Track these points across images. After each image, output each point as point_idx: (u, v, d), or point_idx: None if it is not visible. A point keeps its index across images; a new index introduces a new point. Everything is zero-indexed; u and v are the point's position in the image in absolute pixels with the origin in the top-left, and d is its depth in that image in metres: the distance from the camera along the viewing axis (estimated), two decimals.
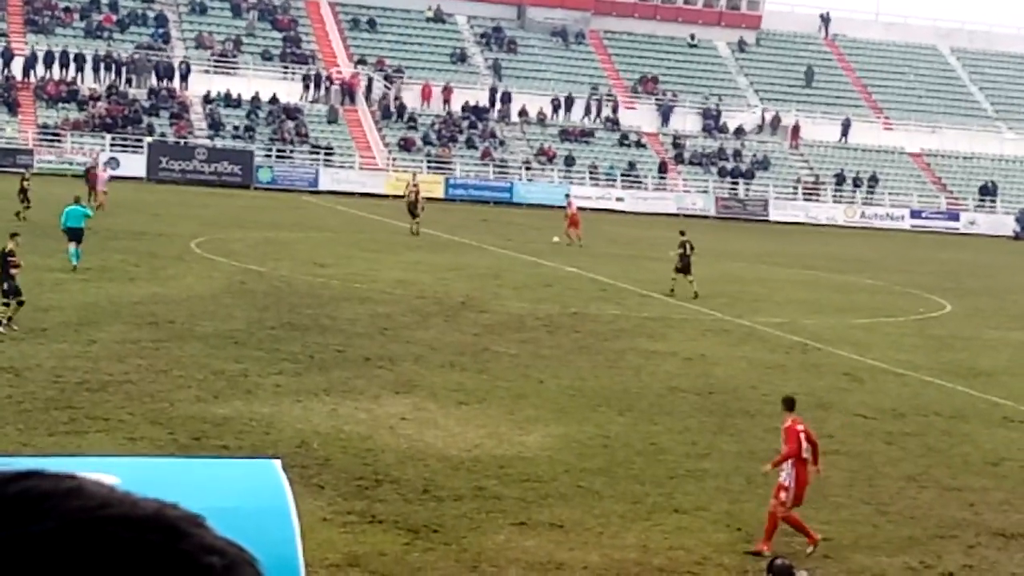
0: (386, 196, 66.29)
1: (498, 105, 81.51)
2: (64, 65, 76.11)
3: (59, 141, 70.92)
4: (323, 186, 71.40)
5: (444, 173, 75.15)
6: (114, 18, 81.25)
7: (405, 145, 77.64)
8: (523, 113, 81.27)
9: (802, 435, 15.75)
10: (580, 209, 54.07)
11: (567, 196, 61.01)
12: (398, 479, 17.26)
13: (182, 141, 73.23)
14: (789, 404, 16.41)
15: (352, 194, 68.57)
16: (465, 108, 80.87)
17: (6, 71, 75.81)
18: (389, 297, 32.99)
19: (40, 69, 75.97)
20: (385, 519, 15.65)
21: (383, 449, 18.67)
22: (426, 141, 78.17)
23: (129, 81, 76.96)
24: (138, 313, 27.67)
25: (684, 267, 37.68)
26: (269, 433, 18.98)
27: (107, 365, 22.52)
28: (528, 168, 77.61)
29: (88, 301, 28.66)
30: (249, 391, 21.44)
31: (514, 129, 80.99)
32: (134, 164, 68.71)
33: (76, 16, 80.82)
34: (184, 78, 77.52)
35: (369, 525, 15.41)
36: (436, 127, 79.34)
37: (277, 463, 5.06)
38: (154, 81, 77.37)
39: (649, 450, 19.89)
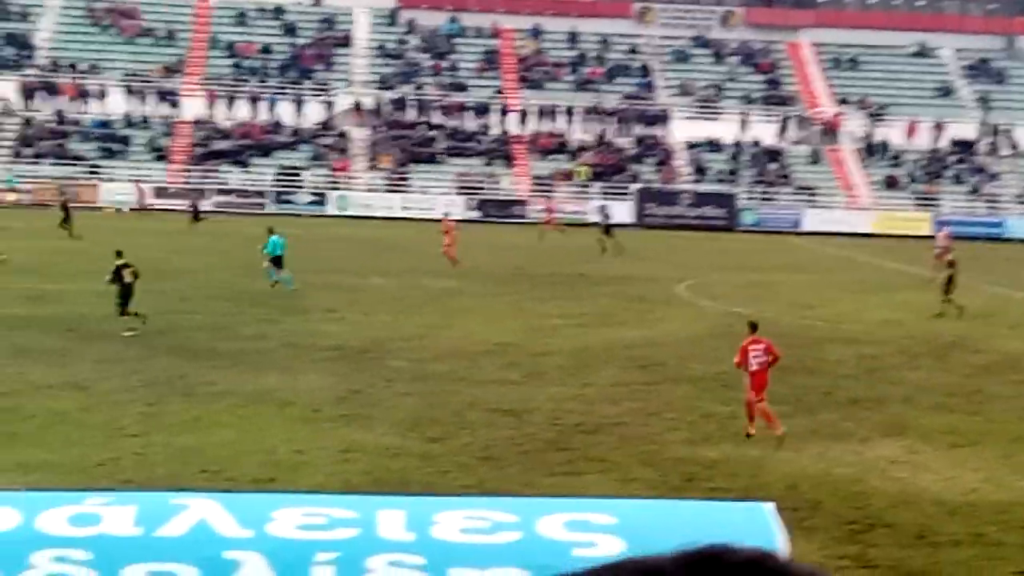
0: (871, 235, 65.20)
1: (988, 138, 78.84)
2: (554, 118, 79.32)
3: (550, 192, 73.82)
4: (807, 227, 71.08)
5: (930, 210, 73.37)
6: (601, 71, 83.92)
7: (890, 183, 76.30)
8: (1015, 146, 78.23)
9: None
10: None
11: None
12: (892, 524, 17.00)
13: (667, 187, 74.74)
14: (752, 327, 22.85)
15: (837, 234, 67.86)
16: (953, 142, 78.71)
17: (503, 126, 79.68)
18: (876, 338, 32.48)
19: (533, 122, 79.42)
20: (880, 564, 15.46)
21: (874, 493, 18.42)
22: (912, 178, 76.55)
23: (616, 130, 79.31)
24: (629, 356, 28.43)
25: None
26: (758, 476, 19.10)
27: (601, 407, 23.26)
28: (1022, 202, 74.64)
29: (581, 345, 29.68)
30: (737, 433, 21.64)
31: (1005, 163, 78.07)
32: (622, 211, 70.68)
33: (566, 71, 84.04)
34: (668, 125, 79.16)
35: (863, 570, 15.26)
36: (921, 163, 77.58)
37: (770, 506, 5.22)
38: (639, 129, 79.39)
39: None
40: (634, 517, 5.47)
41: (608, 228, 54.46)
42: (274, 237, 38.27)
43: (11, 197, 70.03)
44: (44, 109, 79.46)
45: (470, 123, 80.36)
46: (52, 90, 79.99)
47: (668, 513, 5.62)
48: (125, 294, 29.26)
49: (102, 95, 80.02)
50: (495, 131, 79.93)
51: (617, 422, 22.13)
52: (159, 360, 25.66)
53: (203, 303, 34.40)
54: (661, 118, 79.80)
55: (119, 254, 30.13)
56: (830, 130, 79.91)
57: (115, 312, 29.26)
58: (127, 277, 29.36)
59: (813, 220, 72.11)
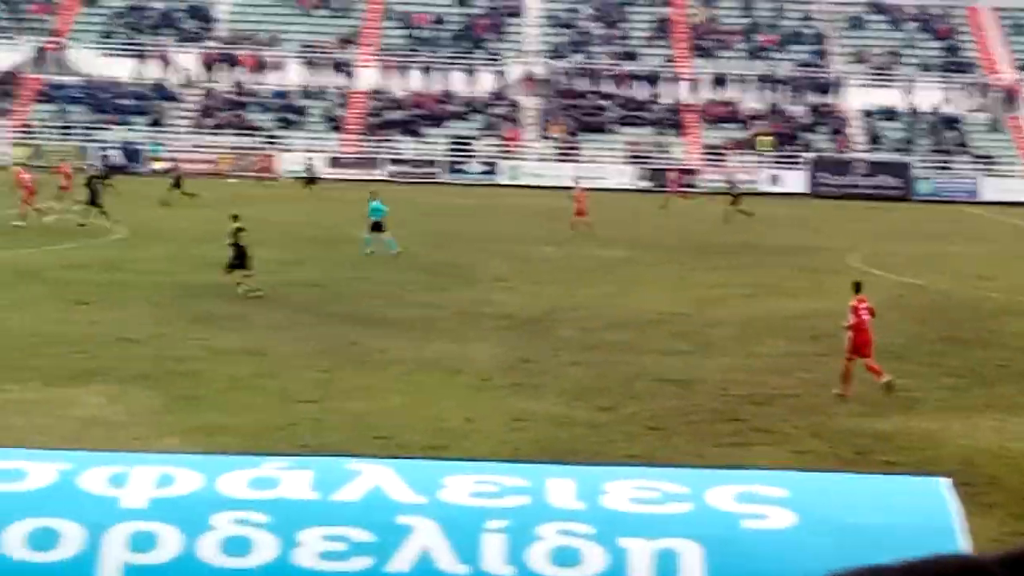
0: None
1: None
2: (725, 86, 78.59)
3: (722, 161, 73.23)
4: (985, 196, 69.41)
5: None
6: (774, 39, 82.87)
7: None
8: None
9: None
10: None
11: None
12: None
13: (841, 156, 73.61)
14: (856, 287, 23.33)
15: (1016, 204, 66.16)
16: None
17: (674, 95, 79.22)
18: None
19: (704, 91, 78.76)
20: None
21: None
22: None
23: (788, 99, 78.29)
24: (799, 327, 28.14)
25: None
26: (931, 449, 18.80)
27: (770, 378, 23.09)
28: None
29: (750, 315, 29.46)
30: (910, 406, 21.31)
31: None
32: (794, 180, 69.77)
33: (739, 39, 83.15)
34: (841, 93, 77.90)
35: None
36: None
37: (947, 482, 5.14)
38: (812, 98, 78.24)
39: None
40: (806, 490, 5.44)
41: (736, 197, 53.65)
42: (374, 203, 38.61)
43: (157, 166, 71.62)
44: (224, 81, 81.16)
45: (641, 92, 79.98)
46: (232, 62, 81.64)
47: (840, 487, 5.57)
48: (239, 255, 30.59)
49: (279, 67, 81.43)
50: (666, 100, 79.45)
51: (786, 393, 21.95)
52: (332, 327, 26.12)
53: (376, 271, 34.88)
54: (835, 86, 78.55)
55: (235, 218, 31.36)
56: (1010, 97, 77.85)
57: (225, 270, 30.53)
58: (241, 240, 30.68)
59: (991, 189, 70.38)
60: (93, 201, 43.51)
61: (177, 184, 53.66)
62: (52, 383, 20.20)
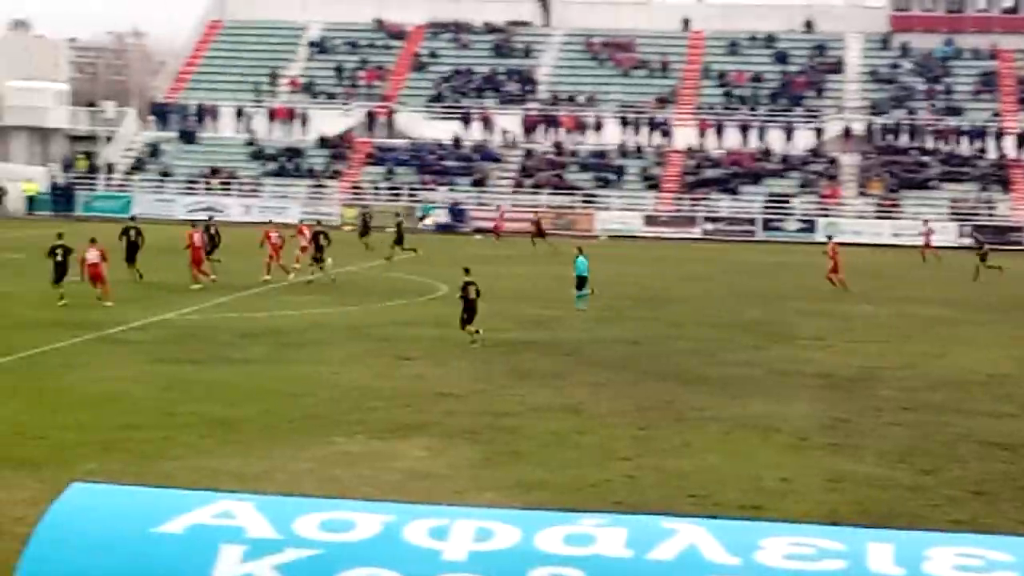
0: None
1: None
2: None
3: None
4: None
5: None
6: None
7: None
8: None
9: None
10: None
11: None
12: None
13: None
14: None
15: None
16: None
17: (999, 149, 76.75)
18: None
19: None
20: None
21: None
22: None
23: None
24: None
25: None
26: None
27: None
28: None
29: None
30: None
31: None
32: None
33: None
34: None
35: None
36: None
37: None
38: None
39: None
40: None
41: (985, 254, 51.81)
42: (580, 259, 38.28)
43: (427, 222, 73.69)
44: (543, 141, 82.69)
45: (965, 147, 77.81)
46: (552, 122, 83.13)
47: None
48: (469, 309, 30.78)
49: (598, 126, 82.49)
50: (992, 155, 77.04)
51: None
52: (649, 385, 26.18)
53: (694, 329, 34.84)
54: None
55: (466, 271, 31.66)
56: None
57: (459, 326, 30.89)
58: (471, 294, 30.83)
59: None
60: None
61: (400, 239, 55.07)
62: (376, 436, 20.85)
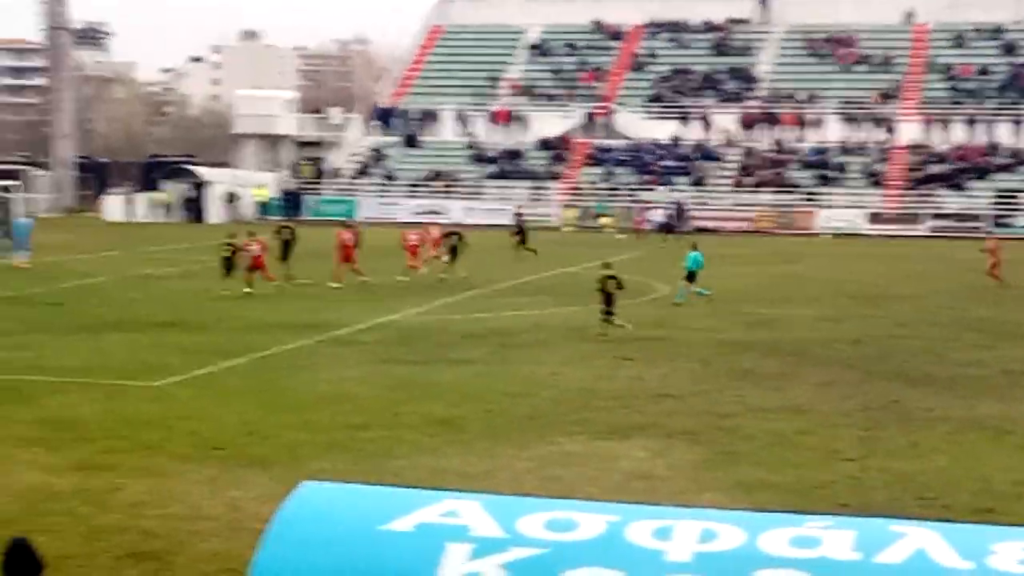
0: None
1: None
2: None
3: None
4: None
5: None
6: None
7: None
8: None
9: None
10: None
11: None
12: None
13: None
14: None
15: None
16: None
17: None
18: None
19: None
20: None
21: None
22: None
23: None
24: None
25: None
26: None
27: None
28: None
29: None
30: None
31: None
32: None
33: None
34: None
35: None
36: None
37: None
38: None
39: None
40: None
41: None
42: (694, 253, 38.45)
43: (604, 221, 73.50)
44: (763, 139, 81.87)
45: None
46: (772, 120, 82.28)
47: None
48: (608, 302, 31.43)
49: (819, 123, 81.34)
50: None
51: None
52: (875, 385, 25.70)
53: (919, 328, 34.10)
54: None
55: (607, 266, 32.28)
56: None
57: (602, 317, 31.45)
58: (609, 287, 31.39)
59: None
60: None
61: (521, 238, 54.93)
62: (597, 436, 20.89)
